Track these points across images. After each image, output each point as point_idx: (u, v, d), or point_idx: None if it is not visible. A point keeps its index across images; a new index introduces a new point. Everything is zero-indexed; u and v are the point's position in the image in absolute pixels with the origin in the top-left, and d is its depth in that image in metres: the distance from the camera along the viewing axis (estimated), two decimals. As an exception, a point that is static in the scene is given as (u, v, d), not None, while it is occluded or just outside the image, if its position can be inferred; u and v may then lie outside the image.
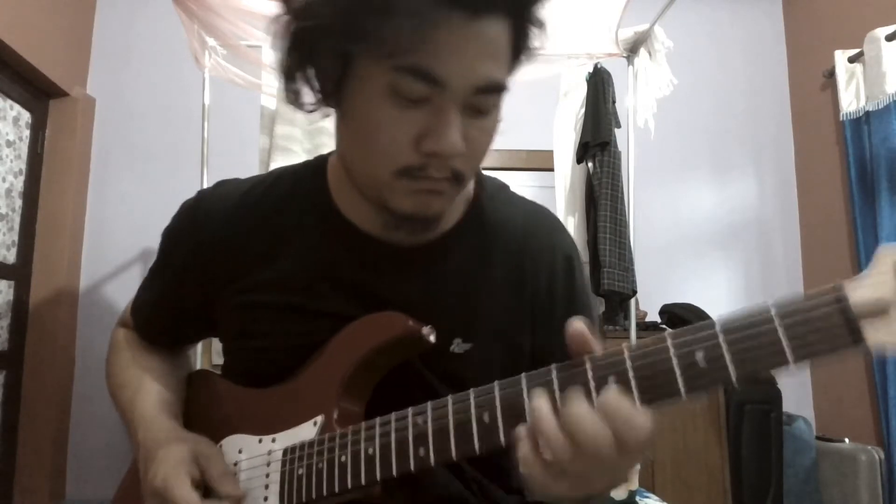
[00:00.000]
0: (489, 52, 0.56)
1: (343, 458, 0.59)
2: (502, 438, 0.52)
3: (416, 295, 0.68)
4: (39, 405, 2.71)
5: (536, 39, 0.60)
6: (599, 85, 2.57)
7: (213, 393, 0.77)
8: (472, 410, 0.53)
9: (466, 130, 0.58)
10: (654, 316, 2.91)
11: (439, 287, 0.69)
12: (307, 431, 0.64)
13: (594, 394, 0.48)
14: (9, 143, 2.64)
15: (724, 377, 0.45)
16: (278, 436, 0.66)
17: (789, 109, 3.32)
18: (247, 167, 2.34)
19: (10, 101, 2.64)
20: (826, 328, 0.42)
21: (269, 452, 0.66)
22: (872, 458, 2.49)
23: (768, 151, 3.30)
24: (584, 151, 2.58)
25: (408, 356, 0.67)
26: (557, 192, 2.70)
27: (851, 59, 2.78)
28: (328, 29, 0.55)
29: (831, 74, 2.89)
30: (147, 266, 3.07)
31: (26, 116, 2.76)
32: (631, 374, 0.48)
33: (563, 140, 2.69)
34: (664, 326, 2.85)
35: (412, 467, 0.55)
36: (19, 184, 2.73)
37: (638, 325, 2.55)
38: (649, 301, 2.89)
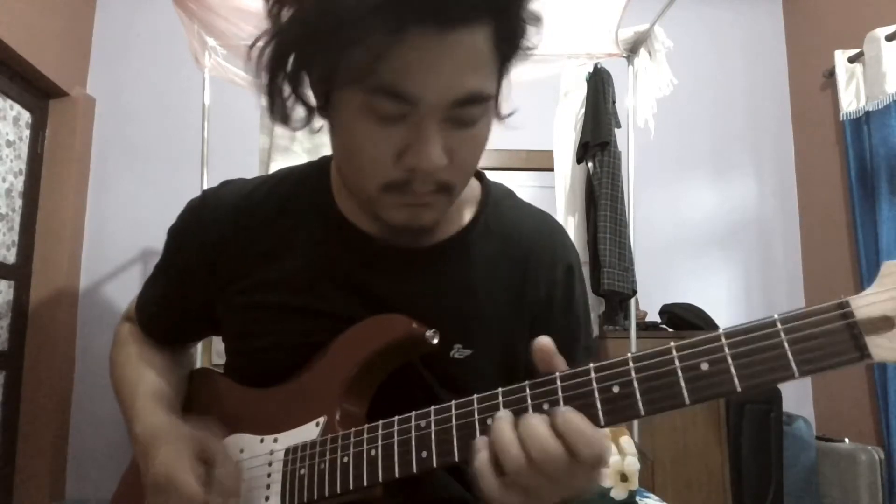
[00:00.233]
0: (466, 64, 0.54)
1: (345, 460, 0.59)
2: None
3: (418, 298, 0.68)
4: (39, 405, 2.71)
5: (529, 38, 0.58)
6: (599, 85, 2.57)
7: (215, 392, 0.77)
8: (476, 416, 0.54)
9: (451, 142, 0.57)
10: (654, 316, 2.91)
11: (442, 291, 0.69)
12: (309, 432, 0.64)
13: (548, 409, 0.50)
14: (9, 143, 2.64)
15: (729, 388, 0.46)
16: (280, 436, 0.66)
17: (789, 109, 3.32)
18: (247, 167, 2.34)
19: (10, 101, 2.64)
20: (832, 343, 0.43)
21: (271, 452, 0.66)
22: (872, 458, 2.49)
23: (768, 151, 3.30)
24: (584, 151, 2.58)
25: (410, 358, 0.67)
26: (557, 192, 2.70)
27: (851, 59, 2.78)
28: (300, 53, 0.55)
29: (831, 74, 2.89)
30: (147, 266, 3.08)
31: (26, 116, 2.76)
32: (636, 383, 0.48)
33: (563, 140, 2.69)
34: (664, 326, 2.85)
35: (414, 469, 0.55)
36: (19, 184, 2.73)
37: (638, 325, 2.55)
38: (649, 301, 2.89)
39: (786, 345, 0.44)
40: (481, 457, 0.50)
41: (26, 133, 2.76)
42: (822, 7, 3.12)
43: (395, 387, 0.67)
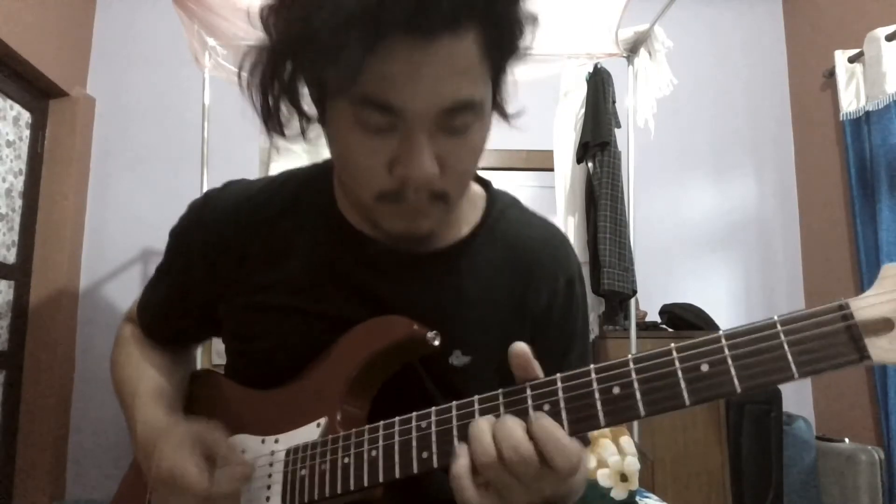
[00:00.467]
0: (452, 71, 0.53)
1: (346, 460, 0.60)
2: None
3: (419, 303, 0.67)
4: (39, 405, 2.71)
5: (523, 39, 0.57)
6: (599, 85, 2.57)
7: (216, 393, 0.77)
8: (477, 416, 0.54)
9: (442, 151, 0.56)
10: (654, 316, 2.91)
11: (443, 298, 0.69)
12: (310, 433, 0.64)
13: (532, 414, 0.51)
14: (9, 143, 2.64)
15: (728, 389, 0.46)
16: (281, 437, 0.66)
17: (789, 109, 3.33)
18: (247, 167, 2.34)
19: (10, 101, 2.64)
20: (832, 344, 0.43)
21: (272, 453, 0.66)
22: (872, 458, 2.49)
23: (768, 151, 3.30)
24: (584, 151, 2.58)
25: (411, 360, 0.67)
26: (557, 192, 2.70)
27: (851, 59, 2.78)
28: (292, 63, 0.55)
29: (831, 74, 2.89)
30: (147, 266, 3.08)
31: (26, 116, 2.76)
32: (636, 383, 0.49)
33: (563, 140, 2.69)
34: (664, 326, 2.85)
35: (415, 469, 0.56)
36: (19, 184, 2.73)
37: (638, 325, 2.55)
38: (649, 301, 2.89)
39: (785, 346, 0.45)
40: (461, 461, 0.51)
41: (26, 133, 2.76)
42: (822, 7, 3.12)
43: (394, 391, 0.67)
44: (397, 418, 0.58)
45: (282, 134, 0.61)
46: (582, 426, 0.50)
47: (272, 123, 0.60)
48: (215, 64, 2.43)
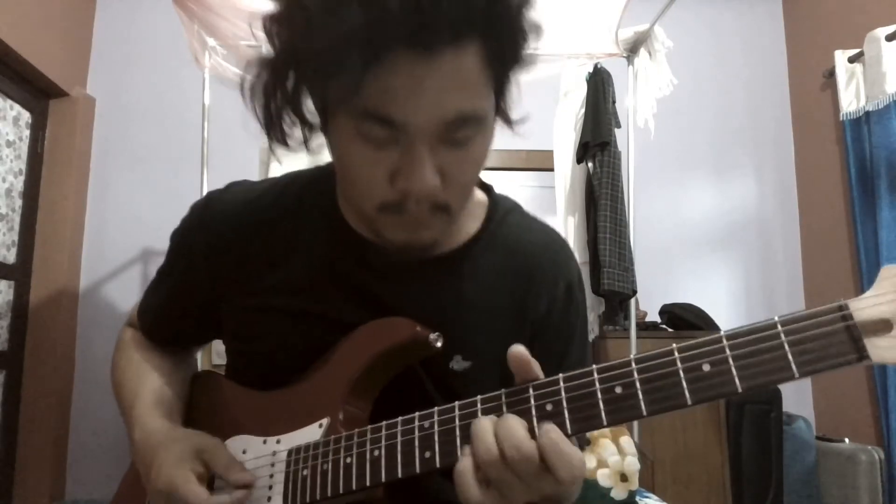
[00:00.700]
0: (453, 85, 0.52)
1: (348, 460, 0.60)
2: None
3: (420, 307, 0.67)
4: (39, 405, 2.71)
5: (526, 48, 0.56)
6: (599, 85, 2.57)
7: (217, 394, 0.77)
8: (479, 417, 0.54)
9: (444, 163, 0.56)
10: (654, 316, 2.91)
11: (444, 303, 0.69)
12: (312, 433, 0.64)
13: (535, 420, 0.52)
14: (9, 143, 2.64)
15: (730, 389, 0.46)
16: (283, 437, 0.66)
17: (789, 109, 3.33)
18: (247, 167, 2.34)
19: (10, 101, 2.64)
20: (831, 344, 0.44)
21: (274, 453, 0.66)
22: (872, 458, 2.50)
23: (768, 151, 3.30)
24: (584, 151, 2.58)
25: (413, 361, 0.67)
26: (557, 192, 2.70)
27: (851, 59, 2.78)
28: (296, 74, 0.55)
29: (831, 74, 2.89)
30: (147, 266, 3.08)
31: (26, 116, 2.76)
32: (638, 383, 0.49)
33: (563, 140, 2.69)
34: (664, 326, 2.85)
35: (417, 469, 0.56)
36: (19, 184, 2.73)
37: (638, 325, 2.55)
38: (649, 301, 2.89)
39: (786, 346, 0.45)
40: (464, 459, 0.51)
41: (26, 133, 2.76)
42: (822, 7, 3.12)
43: (395, 395, 0.67)
44: (400, 418, 0.59)
45: (284, 143, 0.60)
46: (584, 425, 0.51)
47: (275, 133, 0.59)
48: (215, 64, 2.43)
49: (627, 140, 2.54)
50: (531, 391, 0.53)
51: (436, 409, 0.57)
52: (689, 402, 0.47)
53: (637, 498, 1.88)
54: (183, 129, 2.95)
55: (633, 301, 2.54)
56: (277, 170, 2.33)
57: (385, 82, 0.51)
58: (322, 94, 0.55)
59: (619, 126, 2.60)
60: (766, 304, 3.16)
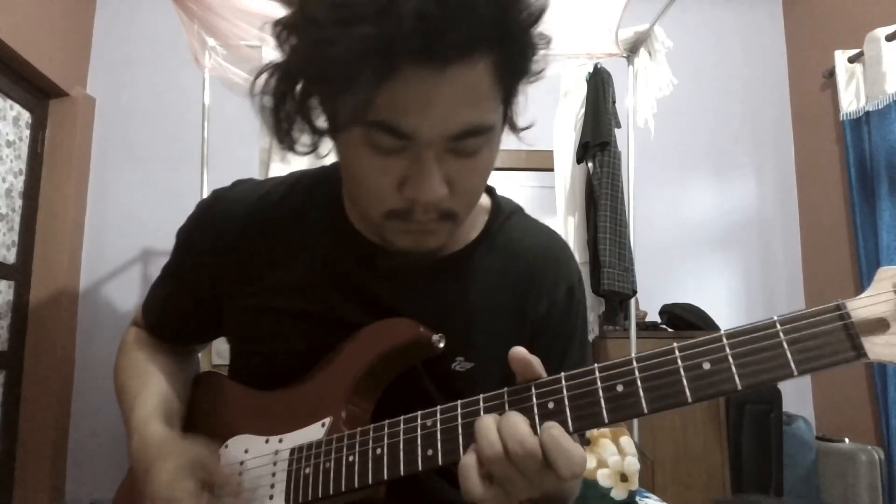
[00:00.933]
0: (464, 98, 0.53)
1: (351, 458, 0.60)
2: None
3: (423, 309, 0.68)
4: (39, 405, 2.71)
5: (535, 61, 0.58)
6: (599, 85, 2.57)
7: (220, 394, 0.77)
8: (482, 415, 0.54)
9: (451, 172, 0.57)
10: (654, 316, 2.91)
11: (446, 304, 0.70)
12: (315, 432, 0.64)
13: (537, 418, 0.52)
14: (9, 143, 2.64)
15: (730, 387, 0.47)
16: (285, 436, 0.66)
17: (789, 109, 3.33)
18: (247, 167, 2.34)
19: (10, 101, 2.64)
20: (829, 342, 0.45)
21: (276, 452, 0.66)
22: (872, 458, 2.50)
23: (768, 151, 3.30)
24: (584, 151, 2.58)
25: (416, 362, 0.67)
26: (557, 192, 2.70)
27: (851, 59, 2.78)
28: (305, 83, 0.56)
29: (831, 74, 2.89)
30: (147, 266, 3.07)
31: (26, 116, 2.76)
32: (639, 381, 0.50)
33: (563, 140, 2.69)
34: (664, 326, 2.85)
35: (420, 467, 0.56)
36: (19, 184, 2.72)
37: (638, 325, 2.55)
38: (649, 301, 2.89)
39: (785, 344, 0.46)
40: (468, 456, 0.52)
41: (26, 133, 2.76)
42: (822, 7, 3.13)
43: (397, 396, 0.67)
44: (402, 417, 0.59)
45: (292, 149, 0.61)
46: (586, 423, 0.51)
47: (283, 137, 0.60)
48: (215, 64, 2.43)
49: (627, 140, 2.54)
50: (533, 389, 0.53)
51: (438, 407, 0.57)
52: (690, 399, 0.48)
53: (637, 498, 1.88)
54: (183, 129, 2.95)
55: (633, 301, 2.54)
56: (277, 170, 2.33)
57: (396, 94, 0.51)
58: (333, 104, 0.55)
59: (619, 126, 2.60)
60: (766, 303, 3.16)
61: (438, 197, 0.56)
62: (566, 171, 2.69)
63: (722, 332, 0.48)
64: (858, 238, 2.69)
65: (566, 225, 2.66)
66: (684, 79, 2.47)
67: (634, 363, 0.50)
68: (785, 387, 2.64)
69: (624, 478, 1.85)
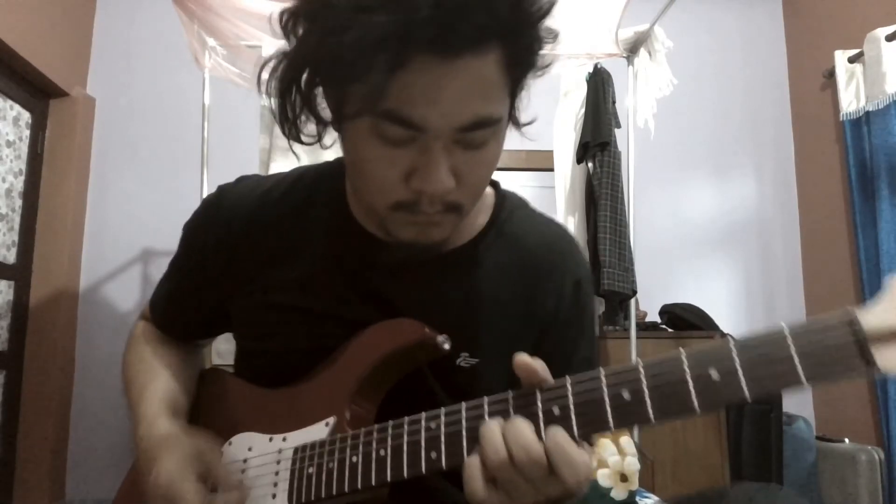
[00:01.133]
0: (473, 90, 0.53)
1: (354, 459, 0.60)
2: None
3: (427, 305, 0.68)
4: (39, 405, 2.71)
5: (542, 56, 0.58)
6: (599, 85, 2.57)
7: (225, 391, 0.77)
8: (486, 418, 0.54)
9: (458, 164, 0.57)
10: (654, 316, 2.91)
11: (451, 299, 0.69)
12: (319, 432, 0.64)
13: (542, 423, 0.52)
14: (9, 143, 2.64)
15: (739, 396, 0.46)
16: (289, 435, 0.66)
17: (789, 109, 3.33)
18: (247, 167, 2.33)
19: (10, 101, 2.64)
20: (840, 354, 0.44)
21: (280, 451, 0.66)
22: (872, 458, 2.50)
23: (768, 151, 3.30)
24: (584, 151, 2.58)
25: (421, 363, 0.67)
26: (557, 192, 2.70)
27: (851, 59, 2.78)
28: (311, 72, 0.56)
29: (831, 74, 2.89)
30: (147, 266, 3.07)
31: (26, 116, 2.76)
32: (646, 388, 0.49)
33: (563, 140, 2.69)
34: (664, 326, 2.85)
35: (423, 470, 0.56)
36: (19, 184, 2.72)
37: (638, 325, 2.55)
38: (649, 301, 2.89)
39: (794, 355, 0.45)
40: (473, 460, 0.51)
41: (26, 133, 2.76)
42: (822, 7, 3.13)
43: (401, 393, 0.67)
44: (406, 418, 0.58)
45: (297, 139, 0.61)
46: (591, 429, 0.50)
47: (289, 128, 0.60)
48: (215, 64, 2.43)
49: (627, 140, 2.54)
50: (538, 394, 0.53)
51: (442, 409, 0.57)
52: (698, 409, 0.47)
53: (637, 498, 1.88)
54: (183, 129, 2.95)
55: (633, 301, 2.54)
56: (277, 170, 2.33)
57: (407, 84, 0.51)
58: (342, 94, 0.55)
59: (619, 126, 2.60)
60: (766, 303, 3.16)
61: (445, 188, 0.56)
62: (566, 172, 2.69)
63: (730, 340, 0.47)
64: (858, 238, 2.69)
65: (566, 225, 2.66)
66: (684, 79, 2.47)
67: (641, 370, 0.49)
68: (785, 387, 2.64)
69: (624, 478, 1.84)
